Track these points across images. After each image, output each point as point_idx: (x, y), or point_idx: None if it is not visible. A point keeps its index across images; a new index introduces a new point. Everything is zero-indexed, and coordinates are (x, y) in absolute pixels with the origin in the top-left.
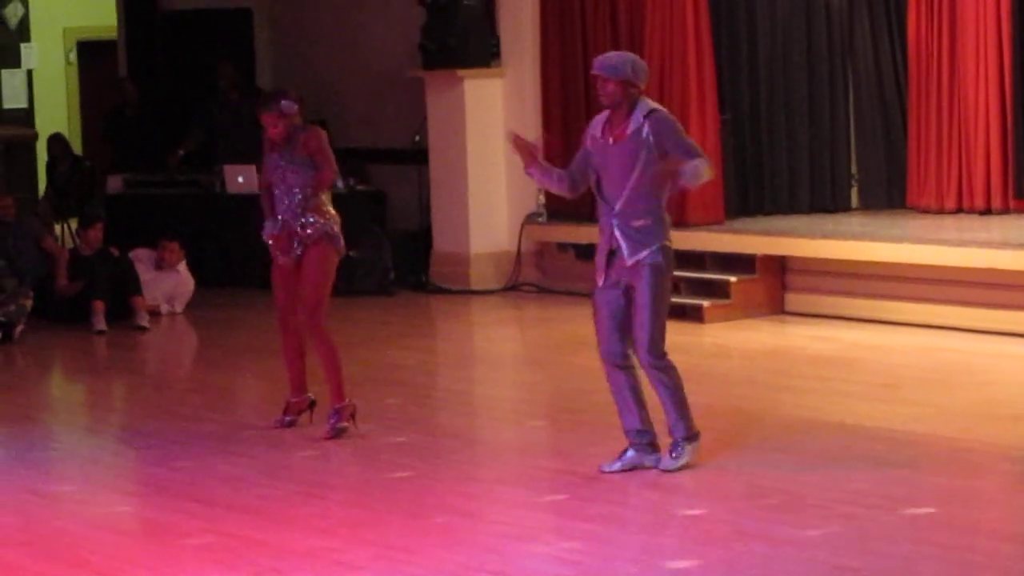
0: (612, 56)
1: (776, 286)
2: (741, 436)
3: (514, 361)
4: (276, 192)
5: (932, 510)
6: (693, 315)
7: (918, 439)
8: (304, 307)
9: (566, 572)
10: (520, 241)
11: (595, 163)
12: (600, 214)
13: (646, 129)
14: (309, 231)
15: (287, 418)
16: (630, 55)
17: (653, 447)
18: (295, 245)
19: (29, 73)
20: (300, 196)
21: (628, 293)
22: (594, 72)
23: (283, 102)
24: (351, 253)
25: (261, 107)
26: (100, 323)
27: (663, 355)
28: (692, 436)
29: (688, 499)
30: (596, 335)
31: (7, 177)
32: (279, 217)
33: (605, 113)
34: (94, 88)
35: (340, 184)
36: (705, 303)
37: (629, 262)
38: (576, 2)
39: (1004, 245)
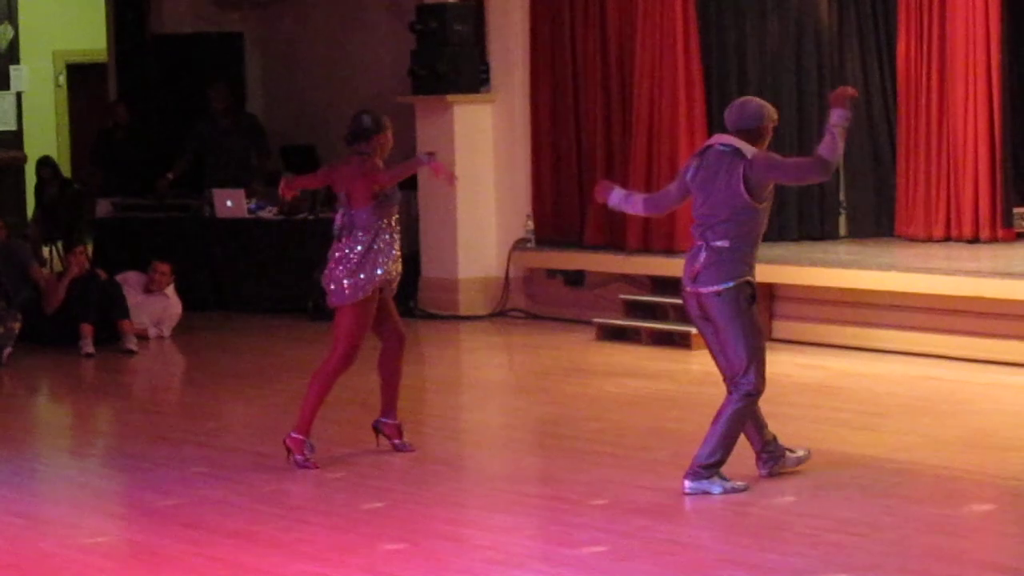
0: None
1: (764, 313)
2: (727, 464)
3: (502, 387)
4: (386, 237)
5: (919, 539)
6: (681, 342)
7: (905, 468)
8: (401, 335)
9: None
10: (508, 267)
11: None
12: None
13: None
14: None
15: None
16: None
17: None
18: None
19: (19, 96)
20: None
21: None
22: None
23: None
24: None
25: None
26: (88, 346)
27: None
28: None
29: (675, 526)
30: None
31: None
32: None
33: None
34: (84, 111)
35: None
36: (693, 330)
37: None
38: (566, 29)
39: (992, 274)
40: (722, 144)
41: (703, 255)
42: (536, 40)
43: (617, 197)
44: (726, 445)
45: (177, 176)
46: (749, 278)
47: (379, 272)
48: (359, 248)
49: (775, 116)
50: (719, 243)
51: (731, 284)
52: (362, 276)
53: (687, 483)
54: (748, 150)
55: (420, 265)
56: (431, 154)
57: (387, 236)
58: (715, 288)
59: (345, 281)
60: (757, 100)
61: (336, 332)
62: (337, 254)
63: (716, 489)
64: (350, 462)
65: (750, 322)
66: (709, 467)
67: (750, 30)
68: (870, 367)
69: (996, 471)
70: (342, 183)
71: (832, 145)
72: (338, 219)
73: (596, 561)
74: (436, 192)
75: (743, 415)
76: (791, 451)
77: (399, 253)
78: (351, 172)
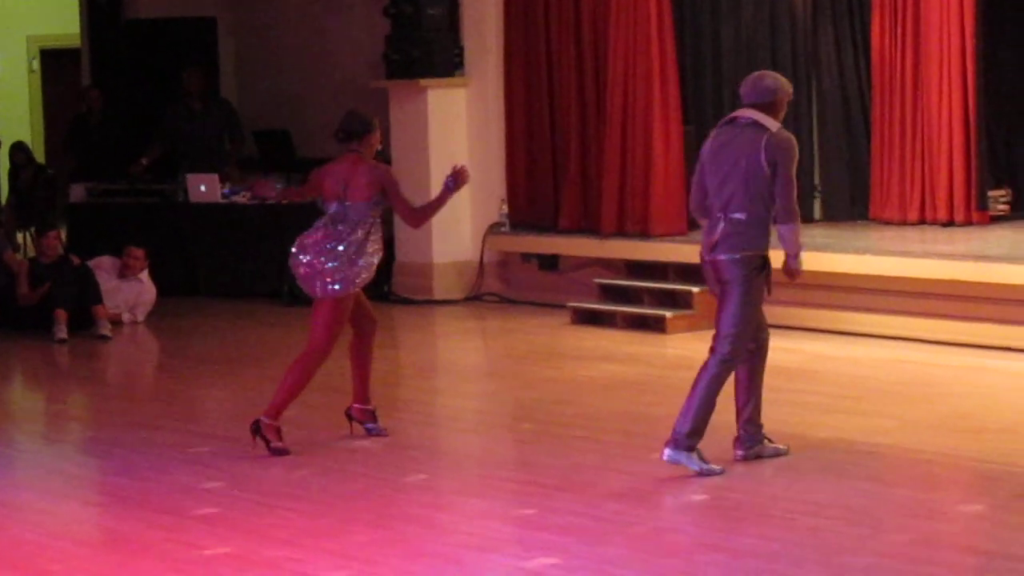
0: None
1: None
2: (704, 447)
3: (477, 372)
4: (376, 230)
5: (894, 522)
6: (656, 326)
7: (880, 451)
8: (373, 320)
9: None
10: (483, 251)
11: None
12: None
13: None
14: None
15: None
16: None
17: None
18: None
19: None
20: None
21: None
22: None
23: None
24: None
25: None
26: (62, 332)
27: None
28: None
29: (651, 510)
30: (747, 333)
31: None
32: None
33: None
34: (57, 96)
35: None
36: (668, 314)
37: None
38: (540, 13)
39: (967, 257)
40: (744, 117)
41: (721, 226)
42: (510, 24)
43: (708, 245)
44: (703, 412)
45: (151, 161)
46: (763, 252)
47: (373, 261)
48: (352, 239)
49: (790, 89)
50: (737, 215)
51: (746, 253)
52: (352, 271)
53: (666, 451)
54: (771, 123)
55: (394, 250)
56: (453, 177)
57: (376, 230)
58: (731, 256)
59: (334, 275)
60: (772, 74)
61: (315, 323)
62: (326, 244)
63: (693, 465)
64: (324, 447)
65: (751, 291)
66: (690, 435)
67: (724, 14)
68: (845, 350)
69: (971, 454)
70: (338, 179)
71: (796, 245)
72: (334, 208)
73: (572, 546)
74: (409, 176)
75: (719, 381)
76: (770, 440)
77: (383, 245)
78: (352, 169)
